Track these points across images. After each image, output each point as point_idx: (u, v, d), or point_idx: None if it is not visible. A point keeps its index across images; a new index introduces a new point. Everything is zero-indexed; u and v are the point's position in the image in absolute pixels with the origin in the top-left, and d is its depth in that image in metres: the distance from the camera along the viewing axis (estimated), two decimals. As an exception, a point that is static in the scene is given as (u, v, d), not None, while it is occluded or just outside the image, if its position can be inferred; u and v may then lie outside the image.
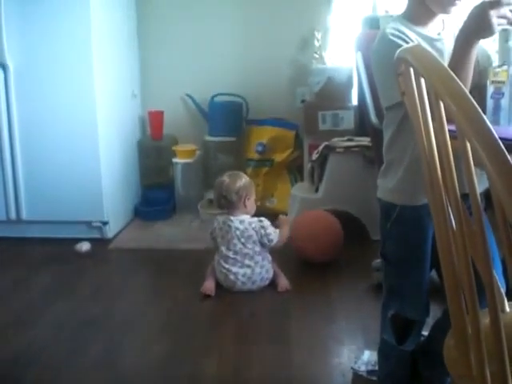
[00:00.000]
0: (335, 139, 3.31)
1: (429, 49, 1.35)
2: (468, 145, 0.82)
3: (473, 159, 0.83)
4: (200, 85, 3.92)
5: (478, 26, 1.30)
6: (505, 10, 1.28)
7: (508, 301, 1.09)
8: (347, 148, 3.23)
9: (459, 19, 1.48)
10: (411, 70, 0.99)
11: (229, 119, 3.83)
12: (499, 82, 1.40)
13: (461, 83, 0.84)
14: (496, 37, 1.44)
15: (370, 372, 1.89)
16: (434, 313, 1.65)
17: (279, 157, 3.82)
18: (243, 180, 2.75)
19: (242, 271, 2.64)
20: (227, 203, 2.72)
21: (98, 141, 3.19)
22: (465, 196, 0.90)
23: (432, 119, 0.96)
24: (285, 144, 3.83)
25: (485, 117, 0.78)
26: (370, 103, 2.39)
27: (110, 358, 2.12)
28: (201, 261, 2.92)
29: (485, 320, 0.90)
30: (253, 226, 2.68)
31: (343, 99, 3.56)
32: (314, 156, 3.32)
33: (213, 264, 2.75)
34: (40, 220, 3.30)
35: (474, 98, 0.81)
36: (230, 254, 2.66)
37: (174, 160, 3.75)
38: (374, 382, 1.83)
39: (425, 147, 1.00)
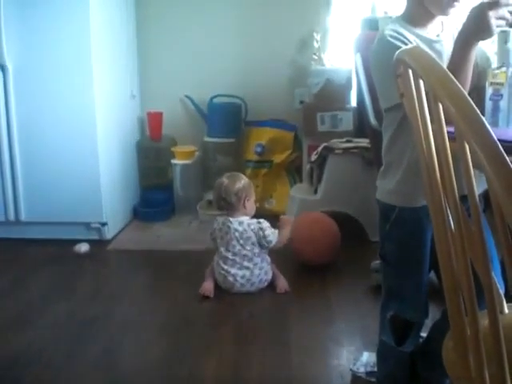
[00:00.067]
0: (334, 140, 3.32)
1: (428, 50, 1.35)
2: (467, 146, 0.82)
3: (471, 161, 0.84)
4: (199, 86, 3.92)
5: (477, 28, 1.30)
6: (503, 11, 1.28)
7: (507, 302, 1.09)
8: (346, 149, 3.23)
9: (458, 21, 1.49)
10: (410, 71, 0.99)
11: (228, 120, 3.83)
12: (498, 84, 1.40)
13: (460, 85, 0.84)
14: (495, 38, 1.44)
15: (368, 373, 1.89)
16: (433, 314, 1.65)
17: (278, 158, 3.82)
18: (242, 181, 2.74)
19: (240, 273, 2.64)
20: (226, 205, 2.71)
21: (96, 142, 3.19)
22: (463, 198, 0.90)
23: (431, 121, 0.97)
24: (284, 145, 3.83)
25: (483, 118, 0.78)
26: (369, 104, 2.40)
27: (109, 359, 2.12)
28: (200, 262, 2.92)
29: (483, 321, 0.90)
30: (251, 227, 2.67)
31: (342, 100, 3.56)
32: (313, 157, 3.33)
33: (212, 265, 2.75)
34: (39, 221, 3.30)
35: (472, 99, 0.81)
36: (229, 256, 2.66)
37: (173, 161, 3.75)
38: (372, 384, 1.83)
39: (424, 149, 1.01)
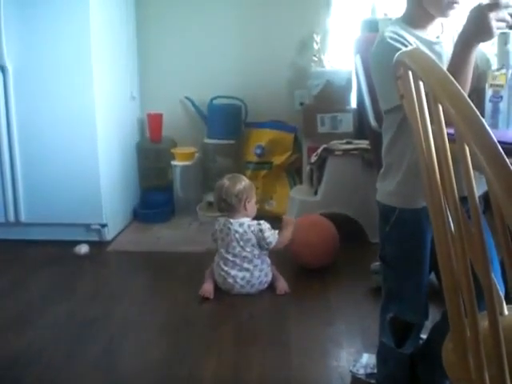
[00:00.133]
0: (334, 142, 3.32)
1: (428, 52, 1.36)
2: (467, 148, 0.82)
3: (471, 162, 0.84)
4: (199, 87, 3.92)
5: (477, 29, 1.30)
6: (504, 13, 1.28)
7: (506, 304, 1.09)
8: (346, 151, 3.23)
9: (458, 22, 1.49)
10: (410, 73, 0.99)
11: (228, 122, 3.83)
12: (498, 86, 1.40)
13: (459, 86, 0.84)
14: (495, 40, 1.44)
15: (368, 375, 1.89)
16: (433, 316, 1.65)
17: (278, 159, 3.82)
18: (243, 183, 2.74)
19: (240, 274, 2.64)
20: (227, 206, 2.71)
21: (96, 143, 3.19)
22: (463, 199, 0.90)
23: (431, 122, 0.97)
24: (284, 147, 3.83)
25: (483, 120, 0.78)
26: (369, 106, 2.40)
27: (109, 359, 2.12)
28: (199, 263, 2.92)
29: (483, 323, 0.90)
30: (252, 229, 2.67)
31: (342, 102, 3.56)
32: (313, 159, 3.33)
33: (212, 266, 2.74)
34: (39, 222, 3.30)
35: (472, 101, 0.81)
36: (229, 257, 2.66)
37: (173, 162, 3.76)
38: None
39: (424, 150, 1.01)
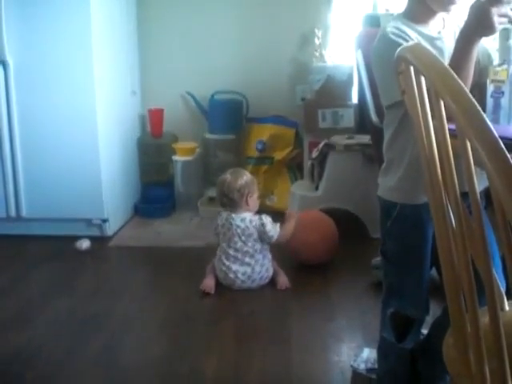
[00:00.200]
0: (335, 137, 3.32)
1: (429, 47, 1.35)
2: (468, 143, 0.82)
3: (473, 158, 0.84)
4: (200, 82, 3.92)
5: (479, 25, 1.30)
6: (506, 9, 1.28)
7: (507, 299, 1.09)
8: (347, 146, 3.23)
9: (459, 18, 1.49)
10: (411, 68, 0.99)
11: (229, 117, 3.82)
12: (499, 81, 1.39)
13: (461, 82, 0.84)
14: (496, 35, 1.44)
15: (369, 370, 1.89)
16: (434, 311, 1.65)
17: (279, 155, 3.82)
18: (245, 177, 2.73)
19: (241, 269, 2.64)
20: (229, 201, 2.71)
21: (97, 138, 3.19)
22: (465, 195, 0.90)
23: (432, 118, 0.97)
24: (285, 142, 3.82)
25: (485, 116, 0.78)
26: (371, 101, 2.40)
27: (109, 355, 2.12)
28: (200, 258, 2.92)
29: (484, 318, 0.90)
30: (253, 223, 2.67)
31: (343, 97, 3.55)
32: (314, 154, 3.32)
33: (213, 262, 2.75)
34: (40, 217, 3.30)
35: (474, 96, 0.81)
36: (231, 252, 2.66)
37: (174, 157, 3.76)
38: (373, 380, 1.83)
39: (425, 146, 1.00)
